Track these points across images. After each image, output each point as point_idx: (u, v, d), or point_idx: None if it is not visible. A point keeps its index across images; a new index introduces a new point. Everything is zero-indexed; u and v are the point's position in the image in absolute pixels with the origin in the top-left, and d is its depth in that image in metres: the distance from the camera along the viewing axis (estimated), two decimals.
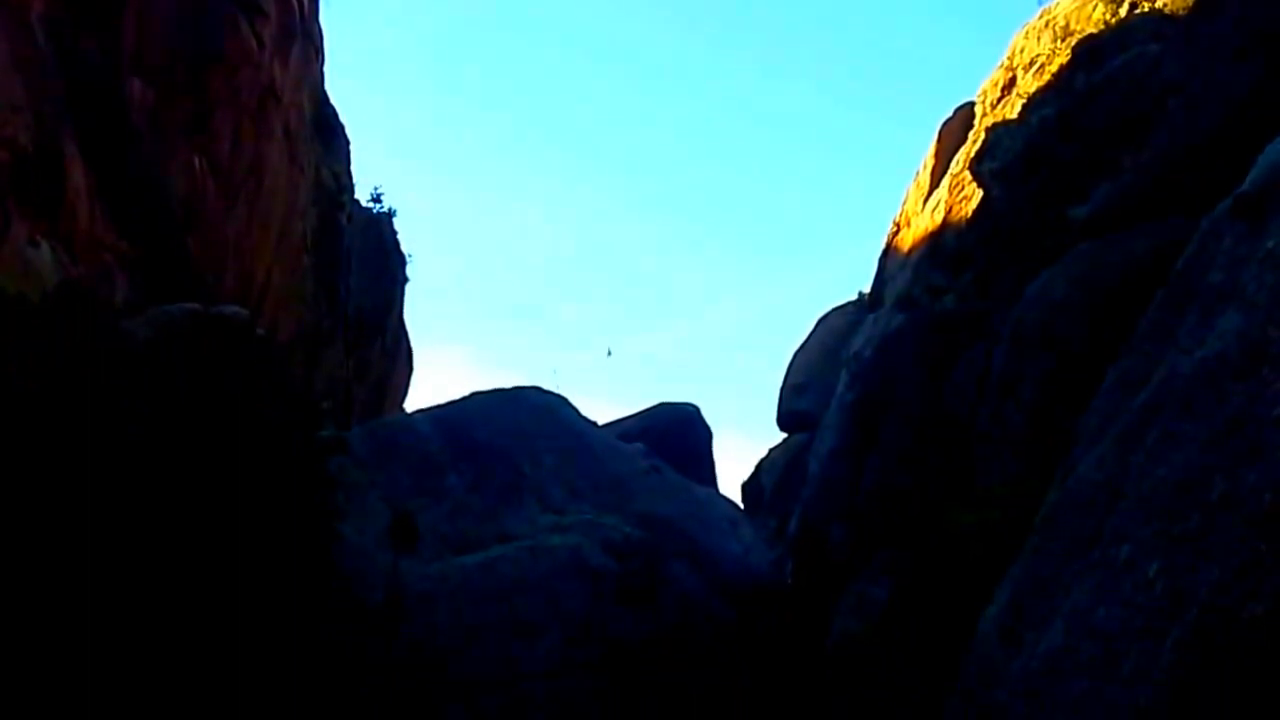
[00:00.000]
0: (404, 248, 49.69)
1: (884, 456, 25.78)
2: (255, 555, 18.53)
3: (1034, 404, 19.70)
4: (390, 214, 48.19)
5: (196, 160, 28.07)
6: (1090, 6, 27.07)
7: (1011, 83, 30.41)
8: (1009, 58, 31.29)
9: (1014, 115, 28.82)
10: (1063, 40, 27.66)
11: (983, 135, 30.79)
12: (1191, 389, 8.01)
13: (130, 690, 16.56)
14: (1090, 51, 25.07)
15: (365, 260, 44.43)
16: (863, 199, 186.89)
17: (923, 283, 32.79)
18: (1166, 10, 23.66)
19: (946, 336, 25.31)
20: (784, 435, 45.71)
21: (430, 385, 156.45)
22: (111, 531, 17.04)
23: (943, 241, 32.77)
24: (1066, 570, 9.18)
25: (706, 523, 28.90)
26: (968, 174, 31.24)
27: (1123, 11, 25.17)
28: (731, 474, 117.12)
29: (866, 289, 42.21)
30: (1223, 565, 6.20)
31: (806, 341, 46.96)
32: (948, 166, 34.16)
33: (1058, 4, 29.64)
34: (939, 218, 33.34)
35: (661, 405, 47.06)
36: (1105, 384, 10.95)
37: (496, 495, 26.49)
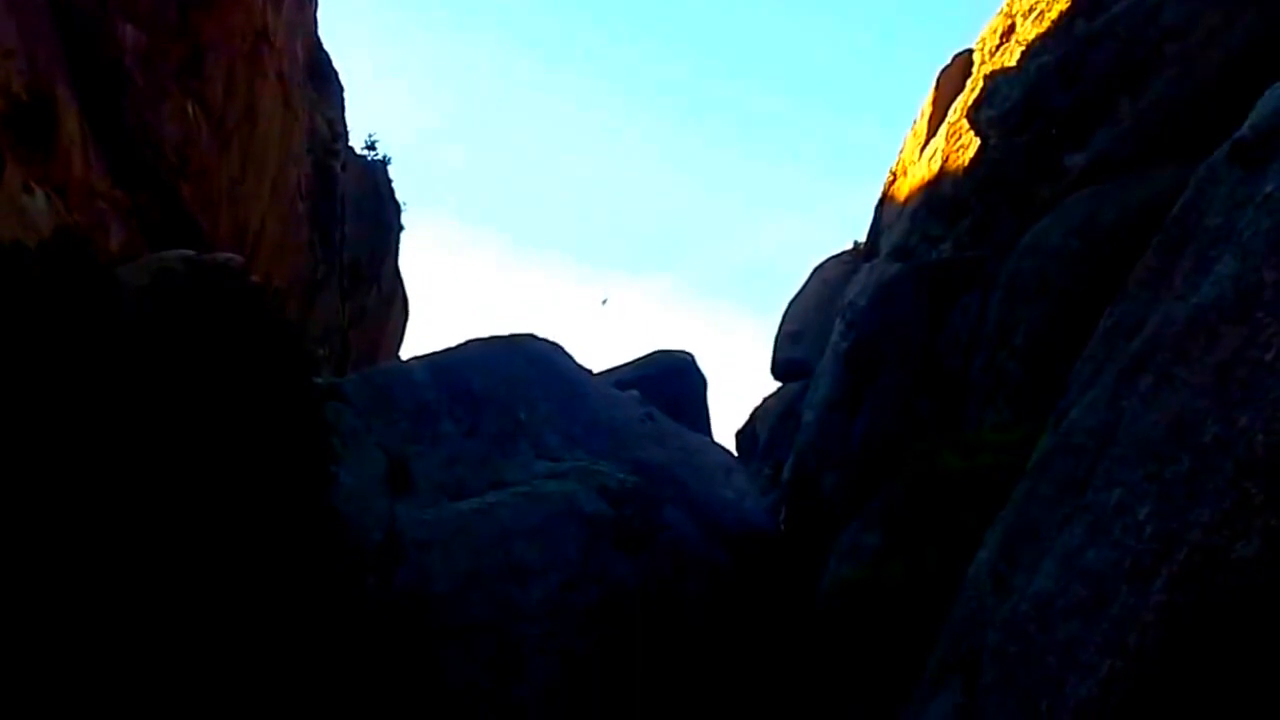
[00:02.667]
0: (399, 195, 49.65)
1: (877, 404, 25.88)
2: (253, 498, 18.66)
3: (1028, 351, 19.79)
4: (385, 161, 48.06)
5: (189, 105, 27.94)
6: None
7: (1010, 30, 30.18)
8: (1008, 4, 31.03)
9: (1012, 63, 28.64)
10: None
11: (981, 83, 30.63)
12: (1185, 334, 8.04)
13: (128, 631, 16.72)
14: None
15: (360, 208, 44.39)
16: (861, 147, 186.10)
17: (919, 232, 32.74)
18: None
19: (942, 285, 25.34)
20: (778, 384, 45.84)
21: (427, 324, 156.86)
22: (107, 473, 17.14)
23: (939, 190, 32.67)
24: (1057, 514, 9.26)
25: (701, 470, 29.03)
26: (965, 122, 31.09)
27: None
28: (726, 422, 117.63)
29: (862, 238, 42.14)
30: (1213, 507, 6.26)
31: (802, 290, 46.93)
32: (945, 115, 33.99)
33: None
34: (936, 167, 33.21)
35: (657, 353, 47.11)
36: (1099, 330, 10.98)
37: (492, 442, 26.58)
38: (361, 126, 67.44)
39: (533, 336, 30.97)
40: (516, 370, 28.81)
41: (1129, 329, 9.80)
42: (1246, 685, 5.57)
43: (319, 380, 25.04)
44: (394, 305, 50.80)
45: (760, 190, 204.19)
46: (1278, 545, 5.54)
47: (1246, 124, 9.61)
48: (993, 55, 30.92)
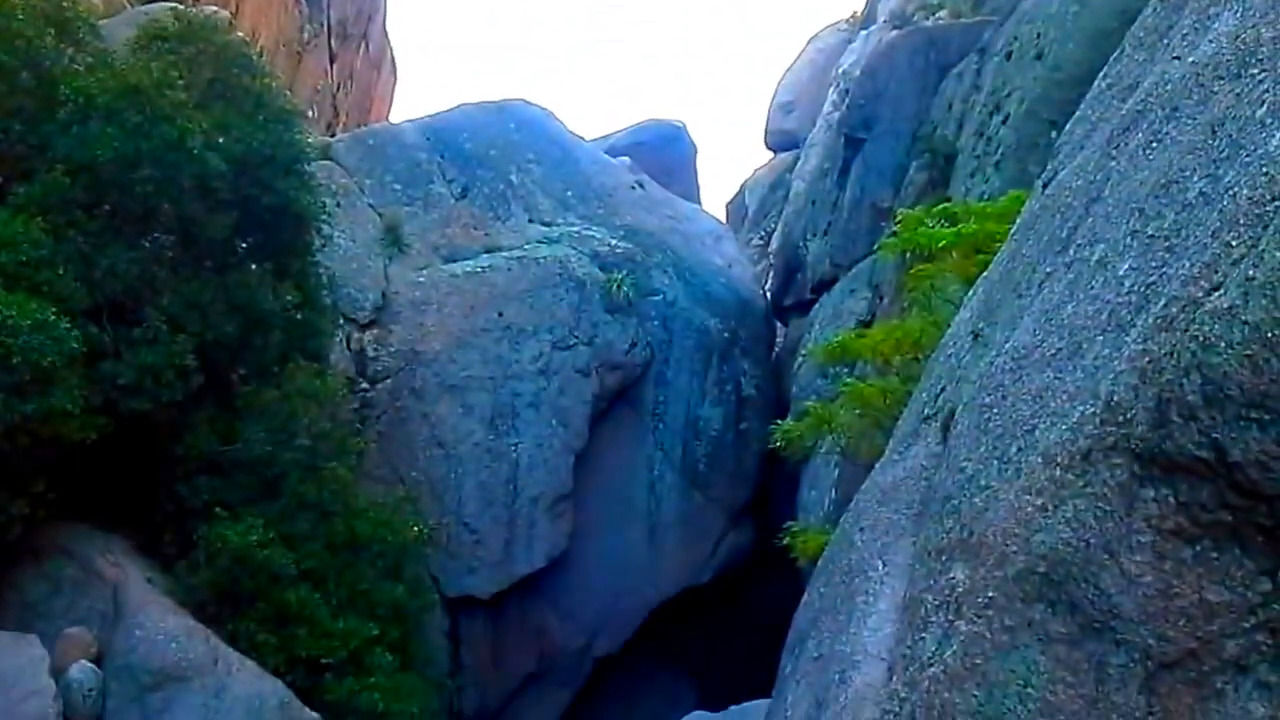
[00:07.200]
0: None
1: (866, 172, 25.88)
2: (247, 253, 18.85)
3: (1021, 118, 19.72)
4: None
5: None
6: None
7: None
8: None
9: None
10: None
11: None
12: (1179, 92, 8.03)
13: None
14: None
15: None
16: None
17: None
18: None
19: (938, 51, 25.01)
20: (770, 156, 45.55)
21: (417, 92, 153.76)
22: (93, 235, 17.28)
23: None
24: (1039, 273, 9.42)
25: (691, 237, 29.29)
26: None
27: None
28: (717, 194, 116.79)
29: (860, 7, 41.18)
30: (1192, 261, 6.33)
31: (797, 60, 46.11)
32: None
33: None
34: None
35: (648, 122, 46.67)
36: (1092, 91, 10.94)
37: (485, 204, 26.66)
38: None
39: (524, 101, 30.66)
40: (508, 134, 28.67)
41: (1124, 90, 9.77)
42: (1210, 426, 5.81)
43: (309, 139, 24.87)
44: (382, 67, 49.76)
45: None
46: (1253, 296, 5.70)
47: None
48: None
